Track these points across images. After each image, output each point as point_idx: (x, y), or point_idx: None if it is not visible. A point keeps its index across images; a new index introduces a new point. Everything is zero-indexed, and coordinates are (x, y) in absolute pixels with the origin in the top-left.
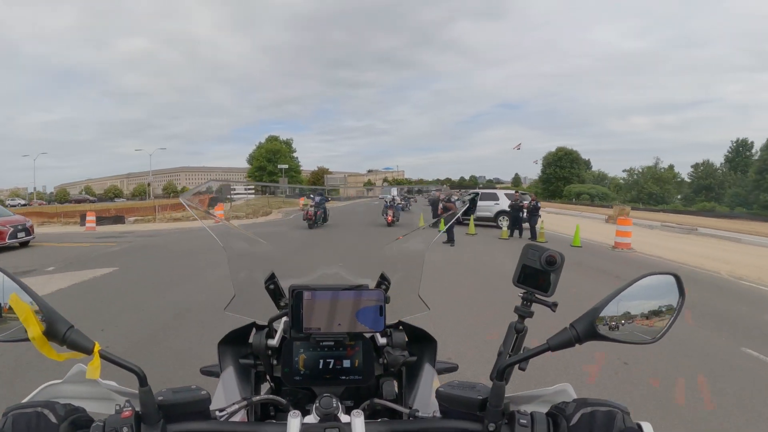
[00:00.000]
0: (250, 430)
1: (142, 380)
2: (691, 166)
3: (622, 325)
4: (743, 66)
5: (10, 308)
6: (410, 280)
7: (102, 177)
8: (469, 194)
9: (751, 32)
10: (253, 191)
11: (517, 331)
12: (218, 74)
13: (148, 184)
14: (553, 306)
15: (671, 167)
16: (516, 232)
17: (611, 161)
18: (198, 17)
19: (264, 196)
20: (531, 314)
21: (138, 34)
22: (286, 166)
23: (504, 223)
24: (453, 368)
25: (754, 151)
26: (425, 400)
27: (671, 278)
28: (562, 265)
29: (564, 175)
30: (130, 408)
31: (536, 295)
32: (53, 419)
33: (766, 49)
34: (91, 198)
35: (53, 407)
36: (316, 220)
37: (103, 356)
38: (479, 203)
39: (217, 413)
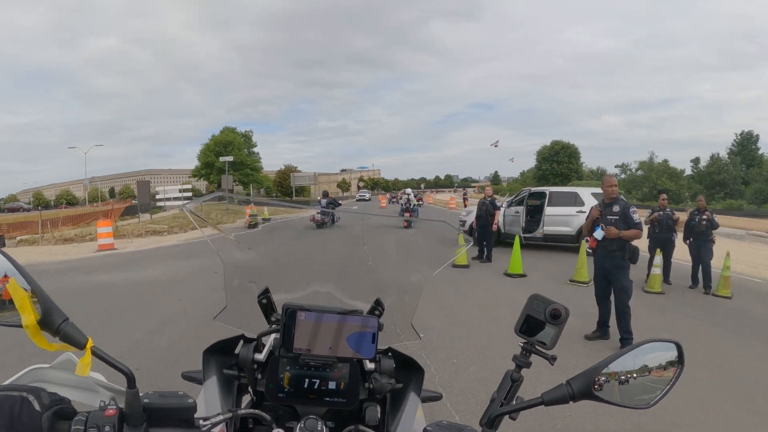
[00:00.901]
0: None
1: (131, 381)
2: (691, 161)
3: (619, 387)
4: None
5: (8, 293)
6: (405, 308)
7: (66, 181)
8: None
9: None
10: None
11: (513, 380)
12: (189, 74)
13: (84, 188)
14: (551, 359)
15: (665, 161)
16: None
17: (589, 158)
18: (168, 16)
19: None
20: (529, 365)
21: (107, 34)
22: (230, 158)
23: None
24: (437, 397)
25: (759, 144)
26: (407, 429)
27: (673, 346)
28: (566, 320)
29: (562, 171)
30: (114, 407)
31: (536, 347)
32: (37, 407)
33: (735, 49)
34: (25, 206)
35: (39, 394)
36: (322, 224)
37: (94, 353)
38: (547, 212)
39: (201, 422)
